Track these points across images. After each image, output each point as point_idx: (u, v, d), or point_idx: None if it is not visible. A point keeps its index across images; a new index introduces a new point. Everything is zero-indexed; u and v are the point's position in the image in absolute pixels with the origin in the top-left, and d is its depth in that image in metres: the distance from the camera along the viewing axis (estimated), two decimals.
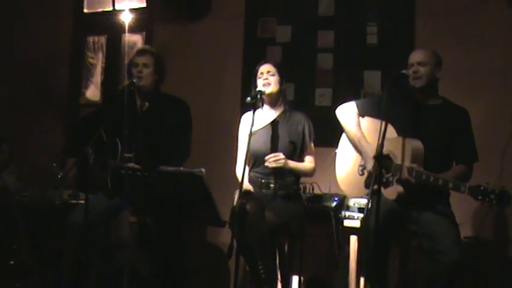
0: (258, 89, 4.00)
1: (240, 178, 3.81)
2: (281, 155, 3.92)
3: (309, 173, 4.15)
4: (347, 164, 3.99)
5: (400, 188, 3.59)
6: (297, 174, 4.10)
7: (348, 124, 3.97)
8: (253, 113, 3.79)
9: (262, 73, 4.08)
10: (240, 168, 4.04)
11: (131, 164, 3.94)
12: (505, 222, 4.48)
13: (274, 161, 3.91)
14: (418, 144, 3.61)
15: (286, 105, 4.16)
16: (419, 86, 3.71)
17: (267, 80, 4.04)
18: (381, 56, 4.91)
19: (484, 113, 4.44)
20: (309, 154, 4.12)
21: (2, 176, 5.21)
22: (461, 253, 3.45)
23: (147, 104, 4.27)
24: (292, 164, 4.00)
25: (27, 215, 4.71)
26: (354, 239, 4.06)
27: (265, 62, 4.16)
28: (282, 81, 4.11)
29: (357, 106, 3.98)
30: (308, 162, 4.11)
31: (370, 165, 3.71)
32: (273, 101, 4.12)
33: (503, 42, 4.51)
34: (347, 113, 3.99)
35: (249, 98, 3.94)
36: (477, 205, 3.32)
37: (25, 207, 4.74)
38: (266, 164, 3.93)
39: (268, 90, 4.02)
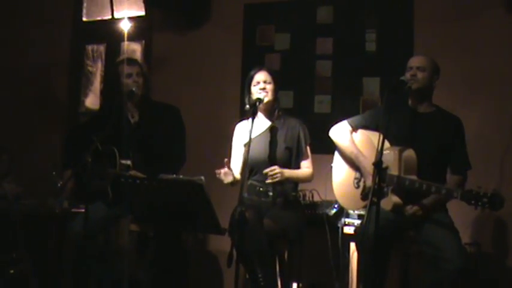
0: (256, 96, 3.99)
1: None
2: (276, 169, 3.88)
3: (308, 179, 4.12)
4: (342, 177, 4.00)
5: (395, 198, 3.60)
6: (296, 182, 4.10)
7: (343, 142, 3.97)
8: (252, 121, 3.78)
9: (258, 82, 4.04)
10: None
11: (133, 172, 3.96)
12: (504, 229, 4.47)
13: (271, 176, 3.88)
14: (410, 153, 3.62)
15: (280, 112, 4.14)
16: (415, 87, 3.71)
17: (264, 89, 4.02)
18: (379, 63, 4.92)
19: (483, 119, 4.46)
20: (305, 159, 4.09)
21: (1, 185, 5.20)
22: (465, 259, 3.44)
23: (139, 112, 4.28)
24: (289, 173, 3.97)
25: (27, 224, 4.71)
26: (354, 246, 4.05)
27: (260, 70, 4.10)
28: (277, 89, 4.08)
29: (349, 123, 3.99)
30: (305, 168, 4.09)
31: (369, 180, 3.71)
32: (268, 109, 4.09)
33: (502, 49, 4.52)
34: (340, 132, 4.00)
35: (247, 106, 3.94)
36: (476, 212, 3.31)
37: (25, 216, 4.73)
38: (267, 181, 3.91)
39: (265, 99, 4.00)
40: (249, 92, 4.07)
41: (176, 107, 4.37)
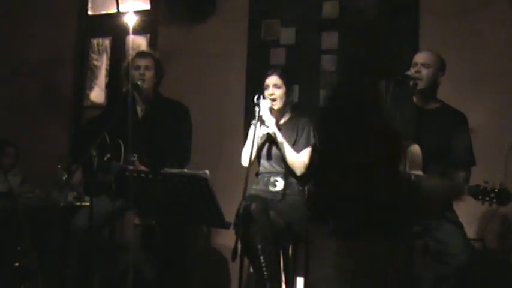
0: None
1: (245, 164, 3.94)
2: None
3: (296, 164, 4.00)
4: None
5: None
6: (284, 160, 4.03)
7: None
8: (261, 125, 3.78)
9: (268, 85, 4.05)
10: (246, 158, 4.04)
11: (136, 165, 3.95)
12: (509, 225, 4.47)
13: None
14: (416, 148, 3.60)
15: (292, 111, 4.13)
16: (420, 88, 3.68)
17: (273, 95, 4.02)
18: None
19: (489, 113, 4.44)
20: (304, 149, 4.03)
21: (7, 179, 5.21)
22: (470, 254, 3.44)
23: (147, 106, 4.27)
24: (280, 138, 3.96)
25: (32, 217, 4.72)
26: None
27: (272, 74, 4.09)
28: (288, 91, 4.07)
29: None
30: (302, 155, 4.03)
31: None
32: (279, 111, 4.11)
33: (508, 42, 4.51)
34: None
35: (257, 110, 3.92)
36: (481, 208, 3.30)
37: (30, 209, 4.74)
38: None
39: (275, 106, 4.00)
40: (263, 94, 4.05)
41: (186, 105, 4.34)
